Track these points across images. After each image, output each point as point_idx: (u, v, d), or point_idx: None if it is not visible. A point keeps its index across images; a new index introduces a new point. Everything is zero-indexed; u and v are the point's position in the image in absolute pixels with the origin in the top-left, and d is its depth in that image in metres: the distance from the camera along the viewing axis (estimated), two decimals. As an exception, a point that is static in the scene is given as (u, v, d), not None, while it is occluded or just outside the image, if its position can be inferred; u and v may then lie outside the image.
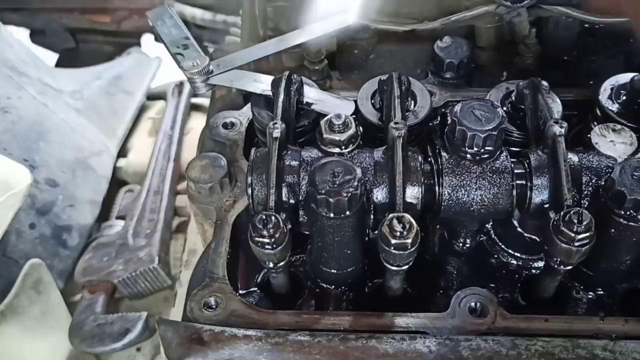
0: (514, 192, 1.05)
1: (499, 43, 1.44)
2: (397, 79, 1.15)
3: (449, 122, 1.07)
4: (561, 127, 1.02)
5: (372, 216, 1.06)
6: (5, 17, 2.69)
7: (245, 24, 1.56)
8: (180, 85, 2.37)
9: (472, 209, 1.05)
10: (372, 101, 1.22)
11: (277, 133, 1.05)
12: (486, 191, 1.04)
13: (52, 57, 2.90)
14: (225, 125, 1.34)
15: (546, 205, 1.03)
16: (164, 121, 2.27)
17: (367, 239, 1.11)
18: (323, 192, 0.97)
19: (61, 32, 2.85)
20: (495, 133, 1.03)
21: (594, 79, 1.46)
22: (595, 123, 1.21)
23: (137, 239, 1.87)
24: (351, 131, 1.07)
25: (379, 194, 1.05)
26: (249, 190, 1.08)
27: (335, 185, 0.97)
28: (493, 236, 1.24)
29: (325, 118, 1.09)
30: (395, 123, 1.04)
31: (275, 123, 1.06)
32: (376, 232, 0.96)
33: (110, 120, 2.28)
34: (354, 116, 1.17)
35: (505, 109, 1.21)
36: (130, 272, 1.77)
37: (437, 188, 1.06)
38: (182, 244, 1.97)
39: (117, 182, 2.27)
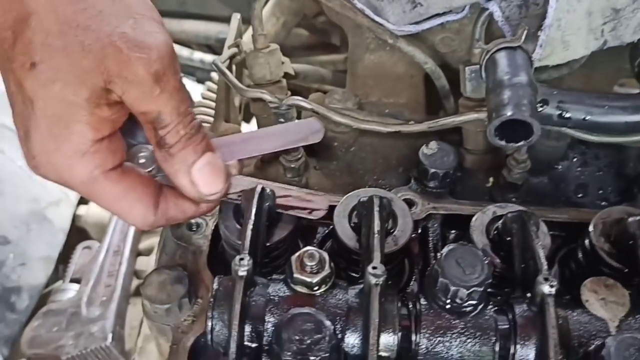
0: (496, 349, 0.97)
1: (487, 148, 1.36)
2: (377, 207, 1.06)
3: (430, 269, 0.99)
4: (551, 286, 0.94)
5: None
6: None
7: (219, 105, 1.46)
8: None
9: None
10: (350, 219, 1.14)
11: (243, 271, 0.95)
12: (466, 349, 0.96)
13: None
14: (189, 226, 1.24)
15: (529, 366, 0.95)
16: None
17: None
18: (289, 353, 0.88)
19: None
20: (481, 289, 0.95)
21: (582, 192, 1.41)
22: (585, 259, 1.15)
23: (91, 307, 1.75)
24: (325, 272, 0.97)
25: (350, 340, 0.97)
26: (209, 328, 0.98)
27: (304, 346, 0.88)
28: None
29: (297, 254, 0.99)
30: (374, 268, 0.95)
31: (242, 259, 0.96)
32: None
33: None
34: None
35: (490, 236, 1.14)
36: (80, 348, 1.65)
37: (413, 336, 0.98)
38: (141, 310, 1.85)
39: (76, 230, 2.15)
